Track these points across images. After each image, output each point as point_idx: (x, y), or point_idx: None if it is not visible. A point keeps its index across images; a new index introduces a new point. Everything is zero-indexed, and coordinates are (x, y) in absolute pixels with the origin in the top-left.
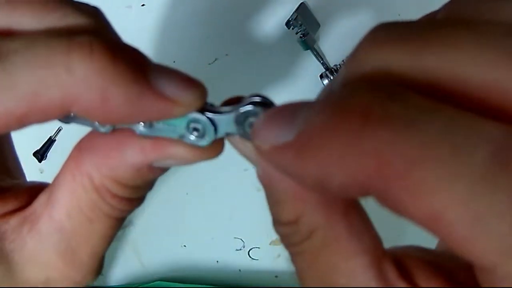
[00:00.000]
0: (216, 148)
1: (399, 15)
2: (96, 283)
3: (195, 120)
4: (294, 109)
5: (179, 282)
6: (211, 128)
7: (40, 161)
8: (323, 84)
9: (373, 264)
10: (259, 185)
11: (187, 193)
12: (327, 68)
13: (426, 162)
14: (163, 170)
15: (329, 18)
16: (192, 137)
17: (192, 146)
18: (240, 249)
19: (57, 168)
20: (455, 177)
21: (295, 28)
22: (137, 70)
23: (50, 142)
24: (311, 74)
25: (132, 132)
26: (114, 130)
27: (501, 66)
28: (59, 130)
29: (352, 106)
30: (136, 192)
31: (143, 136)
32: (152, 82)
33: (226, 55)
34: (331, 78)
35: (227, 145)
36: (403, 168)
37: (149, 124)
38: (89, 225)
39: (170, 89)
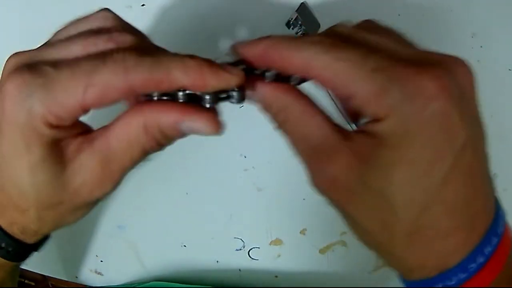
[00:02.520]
0: (217, 124)
1: (398, 15)
2: (96, 283)
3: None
4: None
5: (178, 282)
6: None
7: None
8: None
9: (329, 123)
10: (259, 185)
11: (187, 193)
12: None
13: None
14: (183, 134)
15: (329, 18)
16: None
17: (206, 119)
18: (240, 249)
19: None
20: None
21: (295, 28)
22: (212, 63)
23: None
24: None
25: (174, 103)
26: (169, 100)
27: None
28: None
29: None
30: (164, 140)
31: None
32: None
33: (226, 55)
34: None
35: (226, 146)
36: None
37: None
38: (128, 148)
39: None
